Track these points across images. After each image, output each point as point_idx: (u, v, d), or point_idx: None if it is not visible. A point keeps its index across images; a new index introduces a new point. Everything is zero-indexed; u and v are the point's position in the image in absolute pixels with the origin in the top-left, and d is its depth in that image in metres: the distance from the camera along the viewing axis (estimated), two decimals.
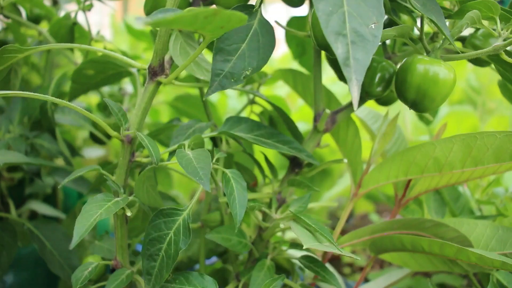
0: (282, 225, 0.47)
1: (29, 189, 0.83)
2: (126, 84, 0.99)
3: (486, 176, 0.47)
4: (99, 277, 0.55)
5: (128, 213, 0.49)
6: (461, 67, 1.62)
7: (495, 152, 0.46)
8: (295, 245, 0.49)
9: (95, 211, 0.43)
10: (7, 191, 0.74)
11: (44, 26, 0.79)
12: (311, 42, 0.53)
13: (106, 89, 0.98)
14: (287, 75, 0.56)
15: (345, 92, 1.08)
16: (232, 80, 0.44)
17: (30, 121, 0.81)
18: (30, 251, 0.71)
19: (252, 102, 0.58)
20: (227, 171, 0.44)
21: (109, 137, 0.87)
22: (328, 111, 0.46)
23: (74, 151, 0.87)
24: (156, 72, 0.46)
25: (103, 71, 0.57)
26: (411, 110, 0.47)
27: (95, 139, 0.88)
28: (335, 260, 1.07)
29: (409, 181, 0.53)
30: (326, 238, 0.40)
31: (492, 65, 0.52)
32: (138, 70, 0.53)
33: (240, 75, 0.44)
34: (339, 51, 0.31)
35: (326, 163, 0.46)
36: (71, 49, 0.82)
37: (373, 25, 0.33)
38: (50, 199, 0.90)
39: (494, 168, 0.47)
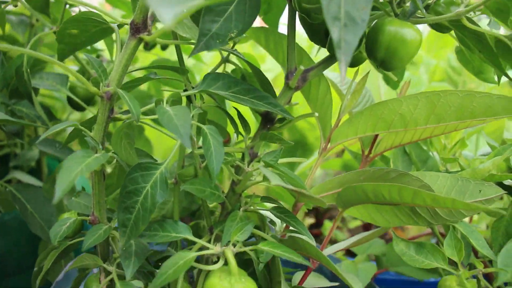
0: (254, 178, 0.49)
1: (14, 162, 0.84)
2: (105, 51, 0.99)
3: (447, 133, 0.50)
4: (76, 233, 0.57)
5: (108, 170, 0.50)
6: (443, 48, 1.65)
7: (456, 110, 0.49)
8: (267, 198, 0.51)
9: (76, 167, 0.43)
10: None
11: None
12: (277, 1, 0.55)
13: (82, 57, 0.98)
14: (259, 33, 0.58)
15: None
16: (218, 41, 0.45)
17: (9, 89, 0.81)
18: (13, 216, 0.72)
19: (226, 60, 0.60)
20: (204, 127, 0.46)
21: (88, 102, 0.87)
22: (302, 67, 0.47)
23: (52, 116, 0.87)
24: (138, 28, 0.47)
25: (86, 29, 0.58)
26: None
27: (72, 105, 0.89)
28: (317, 237, 1.10)
29: (376, 137, 0.56)
30: (294, 180, 0.43)
31: (452, 32, 0.54)
32: (120, 26, 0.54)
33: (225, 37, 0.45)
34: (335, 35, 0.33)
35: (298, 118, 0.48)
36: (48, 15, 0.82)
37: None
38: (34, 172, 0.91)
39: (455, 125, 0.49)
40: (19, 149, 0.90)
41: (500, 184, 0.55)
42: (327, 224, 1.02)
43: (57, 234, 0.52)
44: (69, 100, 0.85)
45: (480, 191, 0.49)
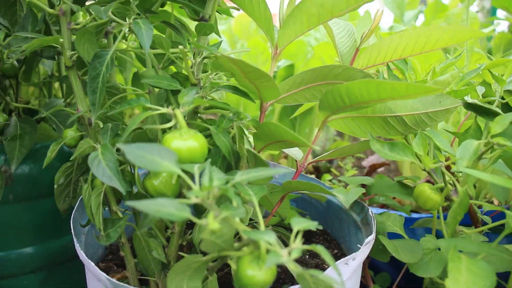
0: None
1: None
2: None
3: (414, 55, 0.58)
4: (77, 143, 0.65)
5: None
6: None
7: (418, 39, 0.57)
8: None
9: None
10: None
11: None
12: None
13: None
14: None
15: None
16: None
17: None
18: (45, 145, 0.80)
19: None
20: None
21: None
22: None
23: None
24: None
25: None
26: None
27: None
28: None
29: (356, 52, 0.63)
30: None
31: None
32: None
33: None
34: None
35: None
36: None
37: None
38: None
39: (420, 48, 0.58)
40: None
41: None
42: (326, 176, 1.10)
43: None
44: None
45: (439, 102, 0.57)
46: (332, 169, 1.23)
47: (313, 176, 1.13)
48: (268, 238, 0.33)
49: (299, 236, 0.35)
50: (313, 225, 0.37)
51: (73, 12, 0.59)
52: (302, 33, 0.57)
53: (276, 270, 0.38)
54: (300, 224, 0.36)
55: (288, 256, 0.33)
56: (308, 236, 0.80)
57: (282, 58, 1.36)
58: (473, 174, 0.46)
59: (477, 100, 0.61)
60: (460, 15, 1.57)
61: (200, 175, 0.36)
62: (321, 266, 0.72)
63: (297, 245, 0.35)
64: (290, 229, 0.41)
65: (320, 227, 0.40)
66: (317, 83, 0.58)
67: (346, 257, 0.52)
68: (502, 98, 0.64)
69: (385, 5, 1.63)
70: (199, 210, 0.63)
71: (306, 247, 0.35)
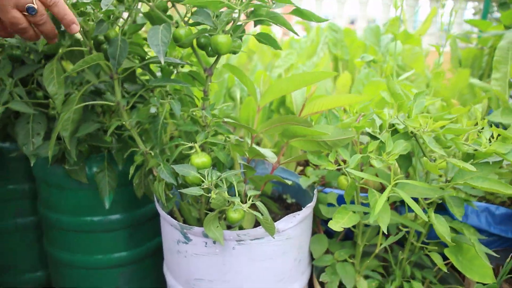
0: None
1: None
2: None
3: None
4: None
5: None
6: None
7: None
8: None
9: None
10: None
11: None
12: None
13: None
14: None
15: None
16: None
17: None
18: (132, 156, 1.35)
19: None
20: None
21: None
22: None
23: None
24: None
25: None
26: None
27: None
28: None
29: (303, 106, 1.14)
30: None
31: None
32: None
33: None
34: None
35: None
36: None
37: None
38: None
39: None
40: None
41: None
42: (308, 168, 1.60)
43: None
44: None
45: (345, 133, 1.06)
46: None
47: (302, 167, 1.64)
48: (235, 199, 0.86)
49: (252, 196, 0.87)
50: (256, 192, 0.89)
51: None
52: (275, 98, 1.08)
53: (244, 213, 0.90)
54: (252, 192, 0.88)
55: (244, 205, 0.85)
56: (288, 205, 1.31)
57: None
58: (353, 172, 0.97)
59: (370, 130, 1.10)
60: (419, 40, 2.02)
61: (207, 174, 0.89)
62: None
63: (249, 201, 0.87)
64: (272, 198, 0.92)
65: (293, 200, 0.92)
66: (282, 123, 1.08)
67: (292, 214, 1.03)
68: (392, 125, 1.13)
69: (363, 32, 2.09)
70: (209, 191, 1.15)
71: (258, 203, 0.87)
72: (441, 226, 0.94)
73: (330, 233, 1.27)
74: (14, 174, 1.48)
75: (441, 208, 1.17)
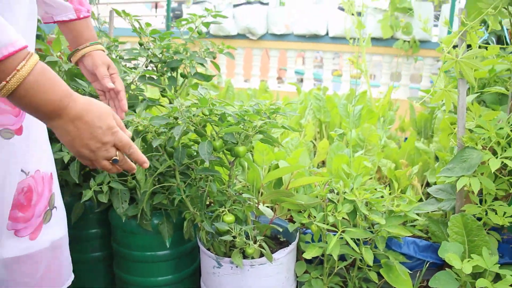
0: None
1: None
2: None
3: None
4: None
5: None
6: None
7: None
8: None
9: None
10: None
11: None
12: None
13: None
14: None
15: None
16: None
17: None
18: None
19: None
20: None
21: None
22: None
23: None
24: None
25: None
26: None
27: None
28: None
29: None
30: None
31: None
32: None
33: None
34: None
35: None
36: None
37: None
38: None
39: None
40: None
41: None
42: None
43: None
44: None
45: (313, 200, 1.74)
46: None
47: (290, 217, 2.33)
48: (250, 242, 1.55)
49: (259, 239, 1.57)
50: (262, 237, 1.59)
51: None
52: (271, 179, 1.78)
53: (255, 249, 1.59)
54: (259, 236, 1.58)
55: (255, 244, 1.55)
56: (281, 242, 1.99)
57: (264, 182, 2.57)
58: (318, 224, 1.66)
59: (329, 196, 1.78)
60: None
61: (234, 228, 1.58)
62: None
63: (258, 242, 1.56)
64: (270, 238, 1.62)
65: (284, 238, 1.62)
66: (276, 194, 1.77)
67: (283, 249, 1.71)
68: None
69: (337, 105, 2.82)
70: (234, 237, 1.84)
71: (263, 243, 1.56)
72: (366, 254, 1.63)
73: (311, 261, 1.95)
74: (92, 222, 2.17)
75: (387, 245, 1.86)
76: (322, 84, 5.45)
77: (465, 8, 1.83)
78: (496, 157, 1.67)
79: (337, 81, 6.10)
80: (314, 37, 5.29)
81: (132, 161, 1.05)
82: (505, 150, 1.70)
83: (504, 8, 1.78)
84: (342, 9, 5.11)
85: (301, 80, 6.04)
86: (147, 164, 1.06)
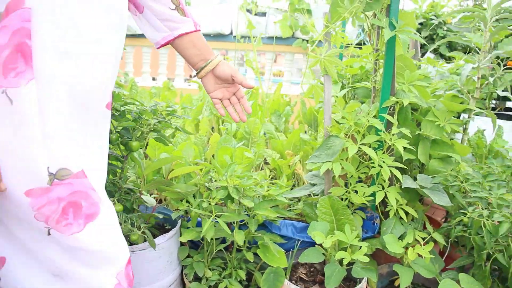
0: None
1: None
2: None
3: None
4: None
5: None
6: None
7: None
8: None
9: None
10: None
11: None
12: None
13: None
14: None
15: None
16: None
17: None
18: None
19: None
20: None
21: None
22: None
23: None
24: None
25: None
26: None
27: None
28: None
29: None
30: None
31: None
32: None
33: None
34: None
35: None
36: None
37: None
38: None
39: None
40: None
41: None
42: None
43: None
44: None
45: (191, 187, 1.87)
46: None
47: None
48: (135, 229, 1.65)
49: (143, 227, 1.67)
50: (146, 225, 1.69)
51: None
52: (154, 169, 1.88)
53: (139, 236, 1.69)
54: (143, 224, 1.68)
55: (139, 231, 1.65)
56: (166, 230, 2.09)
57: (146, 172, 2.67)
58: (195, 210, 1.78)
59: (207, 184, 1.92)
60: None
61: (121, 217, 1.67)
62: None
63: (141, 229, 1.66)
64: (157, 226, 1.72)
65: (170, 226, 1.72)
66: (158, 183, 1.87)
67: (163, 234, 1.82)
68: None
69: None
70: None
71: (146, 230, 1.66)
72: (237, 235, 1.78)
73: (198, 246, 2.07)
74: None
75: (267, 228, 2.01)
76: None
77: (329, 12, 2.03)
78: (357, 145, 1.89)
79: None
80: (219, 36, 5.44)
81: None
82: (364, 138, 1.93)
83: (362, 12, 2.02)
84: (248, 10, 5.31)
85: None
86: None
